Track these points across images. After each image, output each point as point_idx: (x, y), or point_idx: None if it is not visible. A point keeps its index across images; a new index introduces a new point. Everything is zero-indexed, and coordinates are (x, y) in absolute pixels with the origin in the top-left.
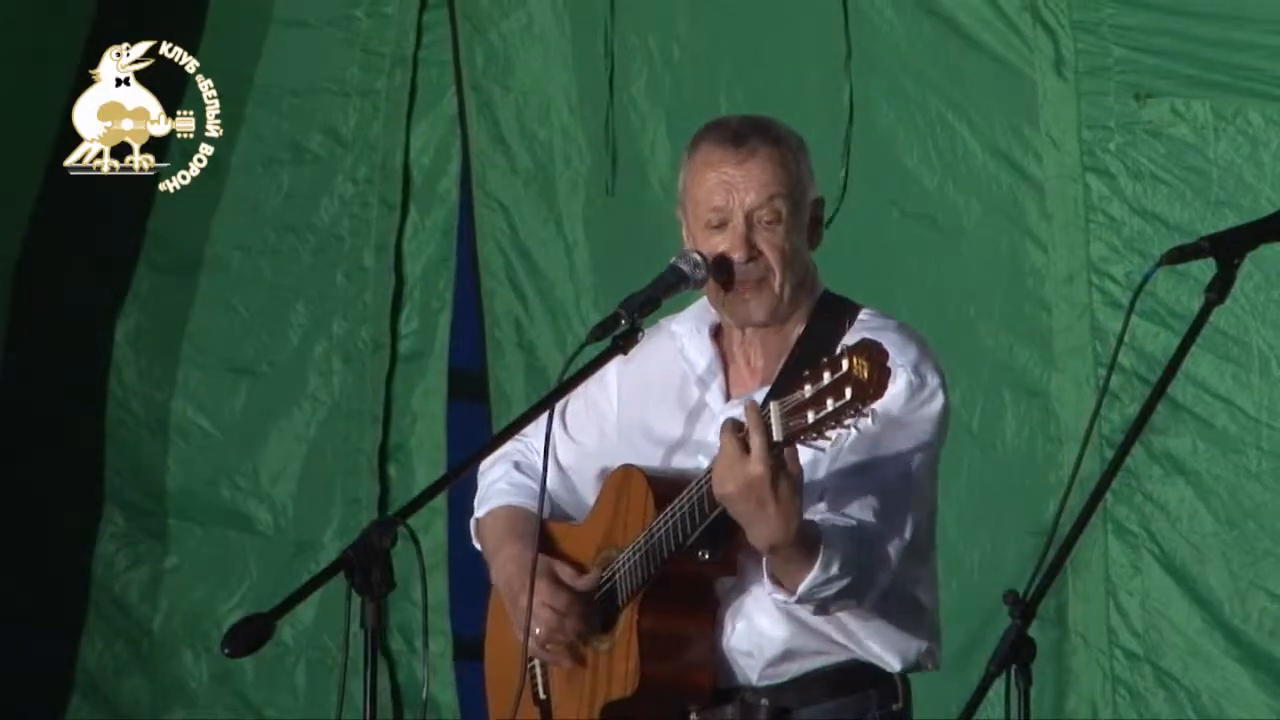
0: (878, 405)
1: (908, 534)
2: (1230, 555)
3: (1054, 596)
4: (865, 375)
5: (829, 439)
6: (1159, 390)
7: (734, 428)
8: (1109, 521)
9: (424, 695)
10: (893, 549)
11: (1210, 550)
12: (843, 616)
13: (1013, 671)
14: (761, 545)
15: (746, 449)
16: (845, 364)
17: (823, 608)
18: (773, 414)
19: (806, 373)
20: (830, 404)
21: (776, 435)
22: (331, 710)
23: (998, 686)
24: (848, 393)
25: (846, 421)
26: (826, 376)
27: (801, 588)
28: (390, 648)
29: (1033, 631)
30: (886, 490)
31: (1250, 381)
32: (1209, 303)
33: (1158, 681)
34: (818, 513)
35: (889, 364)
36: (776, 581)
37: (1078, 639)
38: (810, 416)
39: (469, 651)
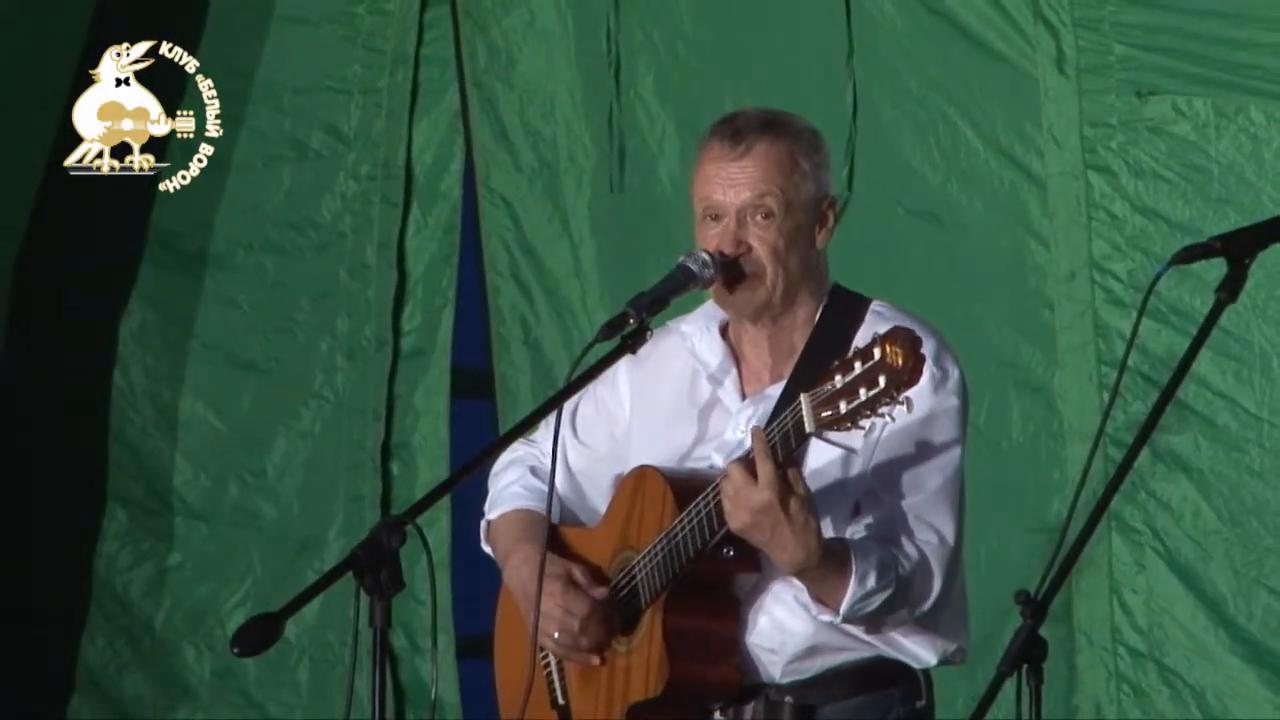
0: (910, 394)
1: (950, 538)
2: (1233, 553)
3: (1059, 594)
4: (900, 362)
5: (863, 428)
6: (1168, 392)
7: (742, 460)
8: (1113, 519)
9: (433, 695)
10: (936, 557)
11: (1213, 548)
12: None
13: (1024, 671)
14: (787, 570)
15: (754, 477)
16: (878, 352)
17: (875, 625)
18: (803, 406)
19: (836, 363)
20: (864, 393)
21: (809, 427)
22: (334, 707)
23: (1008, 686)
24: (882, 381)
25: (881, 410)
26: (858, 366)
27: (844, 606)
28: (393, 645)
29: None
30: (922, 497)
31: (1252, 379)
32: (1220, 302)
33: (1162, 679)
34: (853, 525)
35: (923, 351)
36: (821, 603)
37: (1082, 637)
38: (843, 407)
39: (472, 650)
